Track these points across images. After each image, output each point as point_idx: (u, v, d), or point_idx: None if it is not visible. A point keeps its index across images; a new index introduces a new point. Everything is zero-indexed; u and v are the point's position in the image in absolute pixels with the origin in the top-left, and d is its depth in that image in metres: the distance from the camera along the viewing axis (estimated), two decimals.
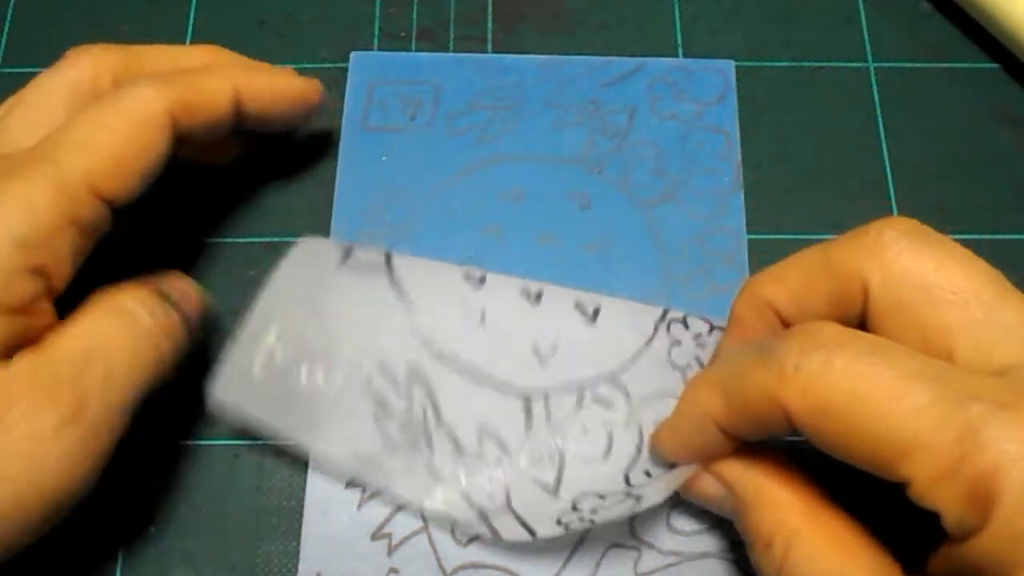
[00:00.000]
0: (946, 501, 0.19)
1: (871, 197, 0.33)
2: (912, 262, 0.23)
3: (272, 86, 0.30)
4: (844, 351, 0.21)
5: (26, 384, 0.23)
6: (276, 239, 0.32)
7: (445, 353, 0.28)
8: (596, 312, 0.29)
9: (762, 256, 0.32)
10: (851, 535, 0.22)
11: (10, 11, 0.36)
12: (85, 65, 0.28)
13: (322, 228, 0.32)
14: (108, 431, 0.24)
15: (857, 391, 0.20)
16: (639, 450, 0.27)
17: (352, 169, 0.33)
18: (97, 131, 0.25)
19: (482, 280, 0.29)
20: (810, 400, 0.21)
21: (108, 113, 0.26)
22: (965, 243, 0.32)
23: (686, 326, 0.29)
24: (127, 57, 0.29)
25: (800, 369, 0.21)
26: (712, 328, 0.29)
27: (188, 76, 0.28)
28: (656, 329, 0.29)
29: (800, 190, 0.33)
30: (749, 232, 0.32)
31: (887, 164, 0.34)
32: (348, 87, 0.34)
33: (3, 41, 0.35)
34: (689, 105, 0.34)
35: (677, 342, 0.28)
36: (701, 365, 0.28)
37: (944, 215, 0.33)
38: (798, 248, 0.32)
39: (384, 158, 0.33)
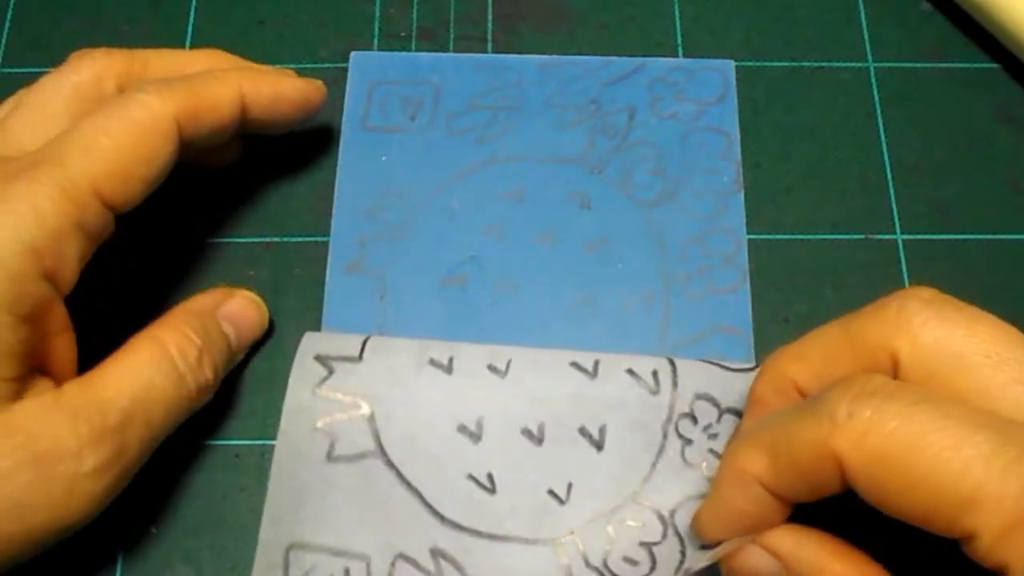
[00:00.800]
0: (1014, 556, 0.19)
1: (871, 197, 0.33)
2: (941, 330, 0.22)
3: (276, 89, 0.30)
4: (897, 399, 0.20)
5: (72, 422, 0.24)
6: (276, 239, 0.32)
7: (463, 525, 0.27)
8: (602, 434, 0.28)
9: (762, 256, 0.32)
10: None
11: (10, 11, 0.36)
12: (87, 68, 0.28)
13: (322, 228, 0.32)
14: (136, 469, 0.26)
15: (915, 438, 0.19)
16: (683, 554, 0.26)
17: (352, 169, 0.33)
18: (103, 136, 0.25)
19: (479, 428, 0.28)
20: (865, 449, 0.20)
21: (114, 119, 0.26)
22: (965, 243, 0.32)
23: (694, 420, 0.28)
24: (130, 61, 0.29)
25: (853, 416, 0.20)
26: (721, 413, 0.28)
27: (193, 82, 0.28)
28: (665, 435, 0.28)
29: (800, 190, 0.33)
30: (749, 232, 0.32)
31: (887, 164, 0.34)
32: (348, 87, 0.34)
33: (3, 41, 0.35)
34: (689, 105, 0.34)
35: (688, 441, 0.28)
36: (716, 456, 0.27)
37: (944, 215, 0.33)
38: (798, 248, 0.32)
39: (384, 158, 0.33)
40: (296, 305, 0.31)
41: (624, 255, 0.31)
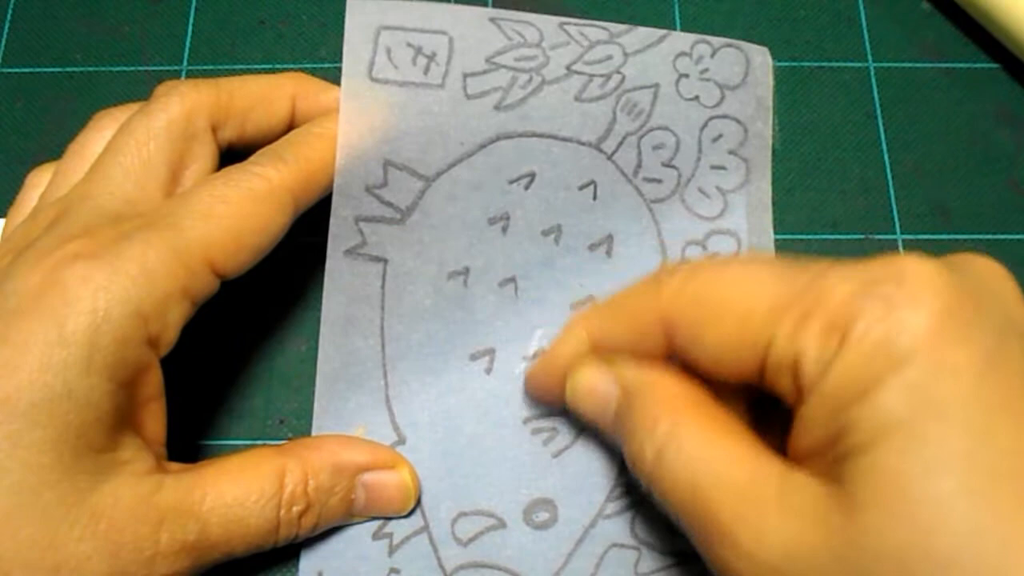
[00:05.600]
0: (805, 342, 0.21)
1: (871, 197, 0.33)
2: None
3: None
4: (711, 263, 0.24)
5: (156, 527, 0.24)
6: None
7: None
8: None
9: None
10: (732, 424, 0.23)
11: (10, 11, 0.36)
12: (177, 106, 0.27)
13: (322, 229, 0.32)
14: None
15: (725, 278, 0.23)
16: None
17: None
18: (220, 205, 0.25)
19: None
20: (685, 294, 0.24)
21: (232, 188, 0.26)
22: (965, 243, 0.32)
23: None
24: (217, 93, 0.28)
25: (675, 273, 0.24)
26: None
27: (303, 149, 0.28)
28: None
29: (800, 190, 0.33)
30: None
31: (887, 164, 0.34)
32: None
33: (3, 41, 0.35)
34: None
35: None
36: None
37: (944, 215, 0.33)
38: (798, 248, 0.32)
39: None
40: (296, 298, 0.31)
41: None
